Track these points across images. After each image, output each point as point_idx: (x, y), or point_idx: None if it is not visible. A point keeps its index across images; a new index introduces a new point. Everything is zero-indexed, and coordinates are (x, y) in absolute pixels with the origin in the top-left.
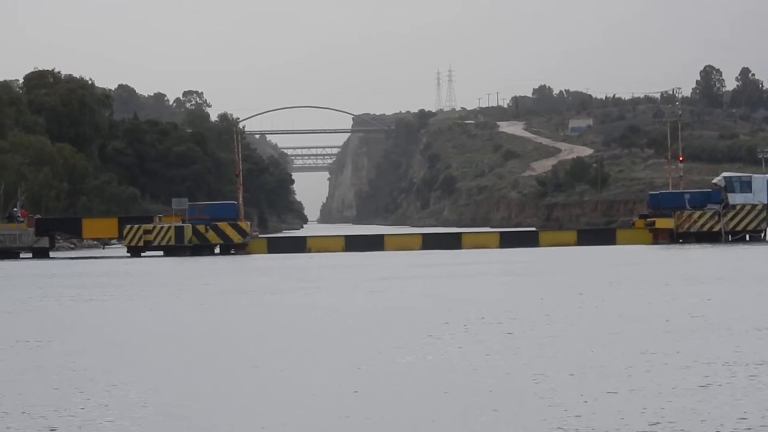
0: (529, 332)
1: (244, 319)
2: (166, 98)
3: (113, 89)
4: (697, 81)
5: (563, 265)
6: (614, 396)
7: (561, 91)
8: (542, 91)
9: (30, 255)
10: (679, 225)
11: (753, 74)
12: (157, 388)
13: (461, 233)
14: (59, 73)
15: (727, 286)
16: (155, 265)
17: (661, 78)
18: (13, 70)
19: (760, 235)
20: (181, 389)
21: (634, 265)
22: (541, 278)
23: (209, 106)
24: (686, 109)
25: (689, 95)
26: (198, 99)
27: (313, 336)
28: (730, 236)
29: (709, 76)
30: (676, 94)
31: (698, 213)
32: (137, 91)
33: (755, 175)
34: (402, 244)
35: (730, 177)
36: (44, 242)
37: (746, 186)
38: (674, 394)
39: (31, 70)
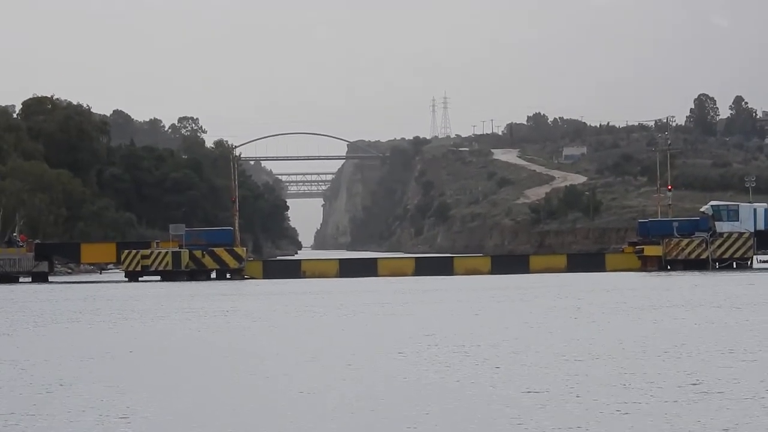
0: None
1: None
2: (161, 124)
3: (109, 115)
4: (691, 109)
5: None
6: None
7: (555, 119)
8: (537, 119)
9: (29, 279)
10: (667, 252)
11: (746, 103)
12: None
13: (453, 257)
14: (57, 99)
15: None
16: (164, 290)
17: (656, 106)
18: (10, 96)
19: (747, 263)
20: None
21: (609, 291)
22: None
23: (204, 132)
24: (680, 138)
25: (683, 123)
26: (193, 125)
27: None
28: (717, 264)
29: (703, 104)
30: (670, 123)
31: (686, 241)
32: (132, 117)
33: (742, 204)
34: (395, 268)
35: (718, 205)
36: (43, 267)
37: (733, 214)
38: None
39: (28, 95)
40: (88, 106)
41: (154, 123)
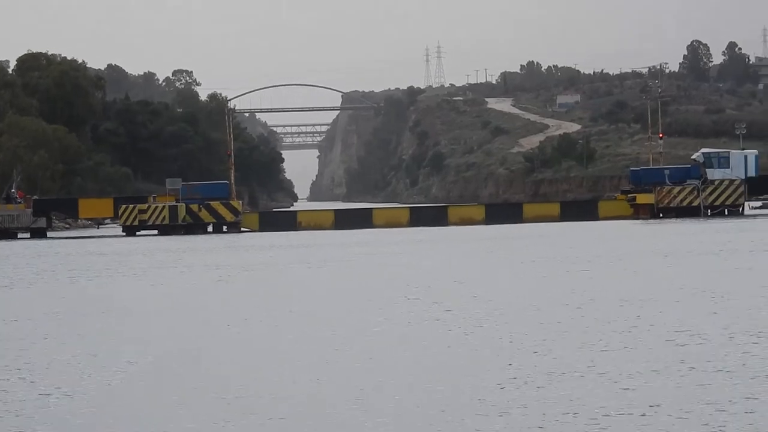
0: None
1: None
2: (156, 77)
3: (103, 69)
4: (684, 56)
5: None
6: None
7: (549, 67)
8: (531, 67)
9: (28, 235)
10: (659, 200)
11: (740, 48)
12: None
13: (447, 207)
14: (52, 55)
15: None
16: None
17: (649, 53)
18: (4, 52)
19: (738, 210)
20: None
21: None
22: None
23: (198, 84)
24: (673, 84)
25: (677, 70)
26: (188, 78)
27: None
28: (709, 211)
29: (696, 50)
30: (663, 69)
31: (678, 188)
32: (127, 71)
33: (733, 151)
34: (390, 218)
35: (709, 153)
36: (42, 222)
37: (724, 162)
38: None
39: (23, 51)
40: (83, 61)
41: (149, 77)
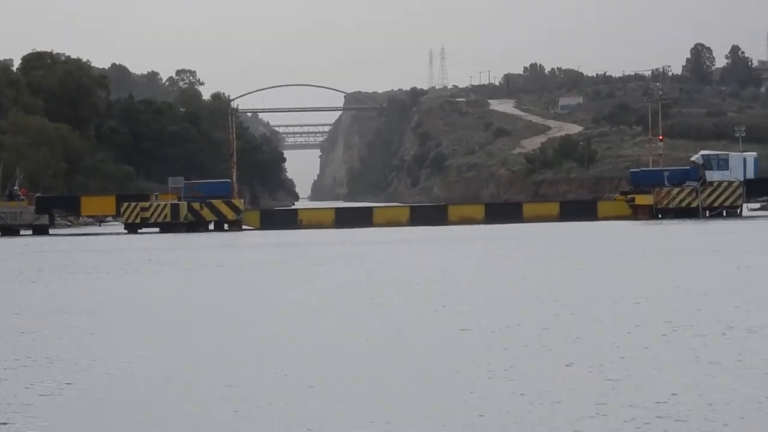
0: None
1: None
2: (159, 77)
3: (107, 68)
4: (687, 59)
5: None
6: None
7: (552, 69)
8: (534, 69)
9: (30, 232)
10: (658, 201)
11: (743, 52)
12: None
13: (447, 206)
14: (57, 54)
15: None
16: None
17: (652, 56)
18: (8, 51)
19: (737, 211)
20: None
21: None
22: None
23: (202, 84)
24: (676, 87)
25: (679, 73)
26: (191, 78)
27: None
28: (707, 212)
29: (699, 53)
30: (666, 72)
31: (677, 190)
32: (131, 70)
33: (732, 153)
34: (390, 217)
35: (708, 155)
36: (44, 220)
37: (723, 164)
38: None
39: (27, 50)
40: (87, 61)
41: (152, 76)
